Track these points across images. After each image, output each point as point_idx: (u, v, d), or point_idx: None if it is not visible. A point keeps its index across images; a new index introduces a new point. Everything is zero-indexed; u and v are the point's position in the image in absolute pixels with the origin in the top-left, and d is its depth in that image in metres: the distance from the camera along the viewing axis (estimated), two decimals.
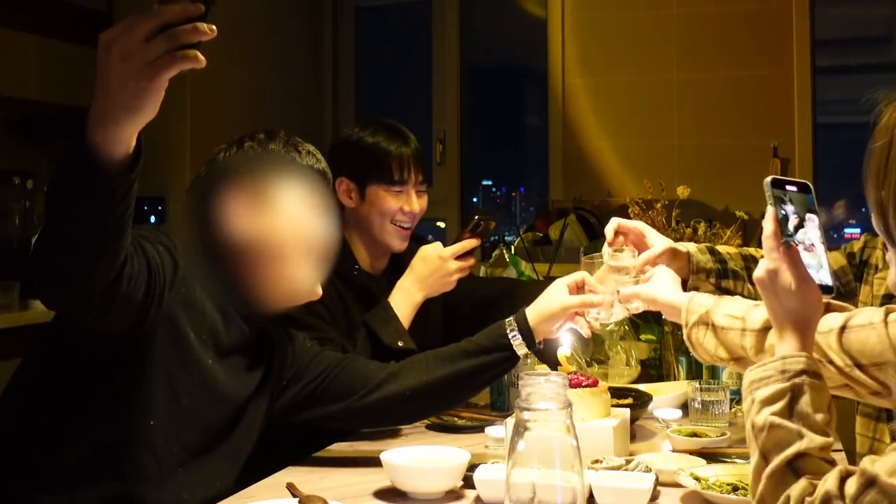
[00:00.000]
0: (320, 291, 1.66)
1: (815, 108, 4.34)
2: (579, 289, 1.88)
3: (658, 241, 1.82)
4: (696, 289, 1.86)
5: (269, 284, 1.60)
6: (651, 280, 1.74)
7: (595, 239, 3.81)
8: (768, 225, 1.22)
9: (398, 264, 2.28)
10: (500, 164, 5.44)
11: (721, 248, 1.93)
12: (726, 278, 1.88)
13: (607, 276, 1.84)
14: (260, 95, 4.51)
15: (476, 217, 2.24)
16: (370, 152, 2.23)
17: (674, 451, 1.88)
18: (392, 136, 2.26)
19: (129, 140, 1.14)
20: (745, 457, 1.80)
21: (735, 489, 1.54)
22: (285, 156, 1.65)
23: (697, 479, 1.59)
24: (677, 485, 1.60)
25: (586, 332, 1.88)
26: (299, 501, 1.49)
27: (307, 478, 1.69)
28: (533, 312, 1.85)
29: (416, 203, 2.26)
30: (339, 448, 1.98)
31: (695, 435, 1.94)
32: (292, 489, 1.60)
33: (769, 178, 1.25)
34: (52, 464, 1.45)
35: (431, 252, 2.18)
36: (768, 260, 1.22)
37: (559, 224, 4.33)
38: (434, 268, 2.16)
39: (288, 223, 1.58)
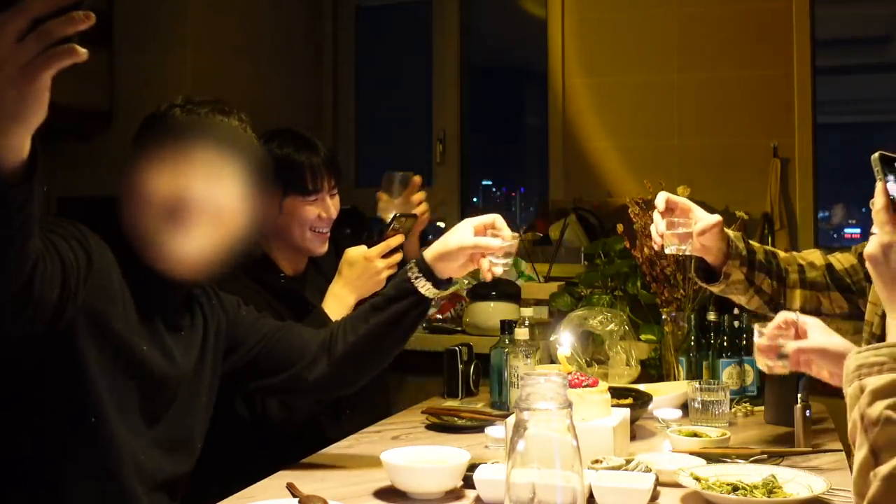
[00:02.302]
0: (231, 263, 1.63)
1: (815, 108, 4.34)
2: (487, 230, 1.88)
3: (707, 215, 1.85)
4: (728, 275, 1.88)
5: (186, 245, 1.54)
6: (811, 335, 1.67)
7: (595, 239, 3.80)
8: (879, 198, 1.16)
9: (314, 262, 2.38)
10: (501, 164, 5.43)
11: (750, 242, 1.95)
12: (752, 268, 1.90)
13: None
14: (259, 95, 4.50)
15: (396, 213, 2.30)
16: (282, 165, 2.23)
17: (674, 451, 1.88)
18: (300, 146, 2.29)
19: (20, 147, 1.05)
20: (745, 457, 1.80)
21: (735, 489, 1.54)
22: (212, 118, 1.63)
23: (697, 479, 1.59)
24: (677, 485, 1.60)
25: (486, 276, 1.87)
26: (299, 501, 1.49)
27: (307, 478, 1.69)
28: (431, 252, 1.86)
29: (332, 208, 2.31)
30: (339, 448, 1.98)
31: (695, 435, 1.94)
32: (292, 489, 1.60)
33: (877, 154, 1.18)
34: (28, 486, 1.45)
35: (356, 254, 2.24)
36: (881, 234, 1.15)
37: (559, 224, 4.33)
38: (361, 269, 2.22)
39: (203, 180, 1.53)
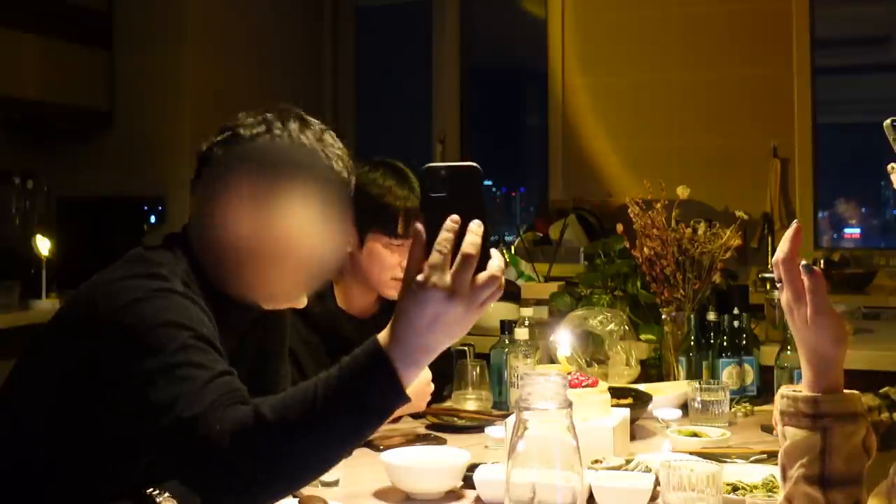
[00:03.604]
0: (305, 301, 1.59)
1: (816, 108, 4.35)
2: None
3: None
4: None
5: (265, 282, 1.50)
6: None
7: (595, 239, 3.80)
8: (783, 247, 1.15)
9: (388, 303, 2.18)
10: (500, 164, 5.44)
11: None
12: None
13: None
14: (259, 95, 4.50)
15: None
16: (378, 200, 2.08)
17: (674, 451, 1.88)
18: (401, 183, 2.12)
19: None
20: (745, 457, 1.80)
21: (735, 489, 1.54)
22: (318, 154, 1.55)
23: None
24: None
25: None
26: (299, 501, 1.49)
27: None
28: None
29: None
30: None
31: (695, 435, 1.93)
32: None
33: (889, 120, 1.15)
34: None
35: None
36: (787, 287, 1.15)
37: (559, 224, 4.33)
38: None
39: (304, 225, 1.47)
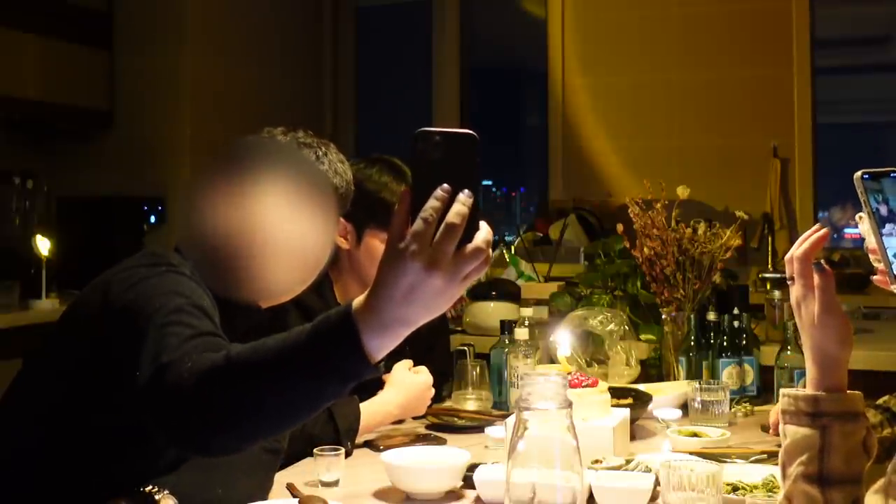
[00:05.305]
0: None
1: (816, 108, 4.35)
2: None
3: None
4: None
5: (253, 275, 1.50)
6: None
7: (595, 239, 3.80)
8: (803, 245, 1.15)
9: None
10: (501, 164, 5.44)
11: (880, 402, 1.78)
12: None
13: None
14: (259, 96, 4.50)
15: None
16: (375, 196, 2.08)
17: (674, 451, 1.88)
18: (398, 179, 2.12)
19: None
20: (745, 457, 1.80)
21: (735, 489, 1.54)
22: (297, 151, 1.58)
23: None
24: None
25: None
26: (299, 501, 1.49)
27: (307, 478, 1.69)
28: None
29: None
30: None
31: (695, 435, 1.94)
32: (292, 489, 1.60)
33: (859, 173, 1.11)
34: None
35: (415, 378, 2.10)
36: (798, 285, 1.15)
37: (559, 224, 4.33)
38: (415, 390, 2.09)
39: (276, 217, 1.49)
